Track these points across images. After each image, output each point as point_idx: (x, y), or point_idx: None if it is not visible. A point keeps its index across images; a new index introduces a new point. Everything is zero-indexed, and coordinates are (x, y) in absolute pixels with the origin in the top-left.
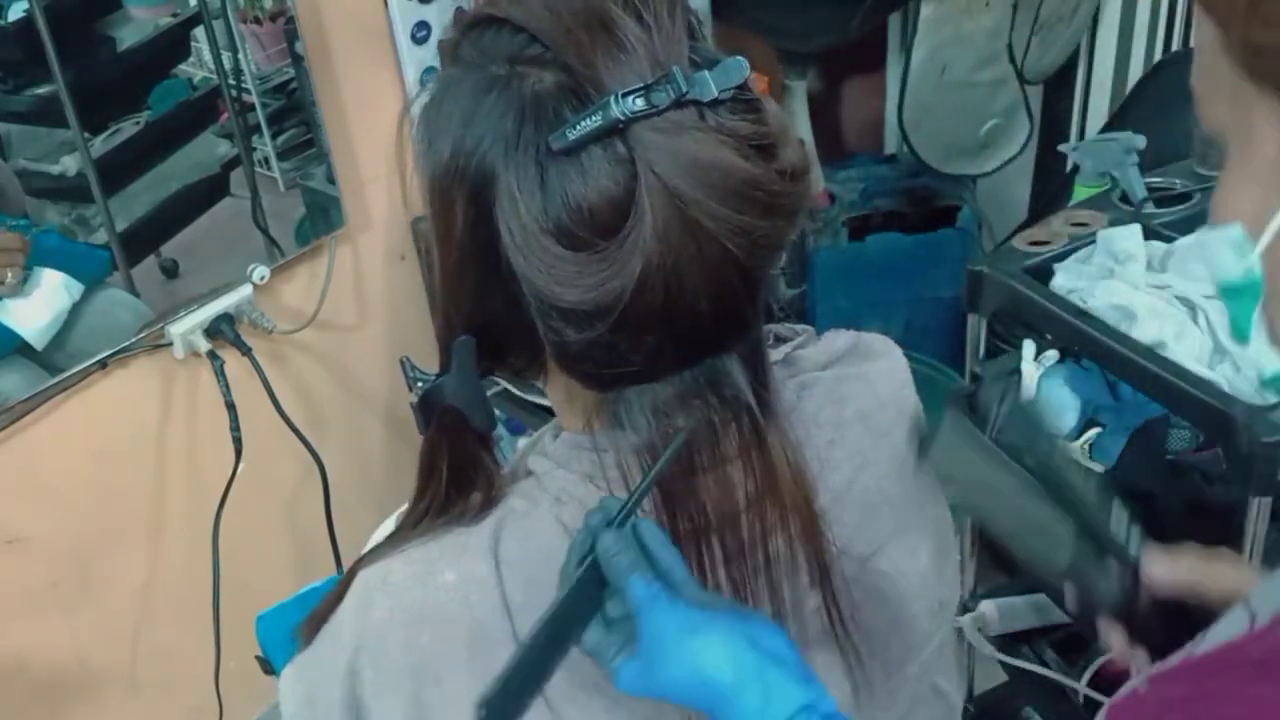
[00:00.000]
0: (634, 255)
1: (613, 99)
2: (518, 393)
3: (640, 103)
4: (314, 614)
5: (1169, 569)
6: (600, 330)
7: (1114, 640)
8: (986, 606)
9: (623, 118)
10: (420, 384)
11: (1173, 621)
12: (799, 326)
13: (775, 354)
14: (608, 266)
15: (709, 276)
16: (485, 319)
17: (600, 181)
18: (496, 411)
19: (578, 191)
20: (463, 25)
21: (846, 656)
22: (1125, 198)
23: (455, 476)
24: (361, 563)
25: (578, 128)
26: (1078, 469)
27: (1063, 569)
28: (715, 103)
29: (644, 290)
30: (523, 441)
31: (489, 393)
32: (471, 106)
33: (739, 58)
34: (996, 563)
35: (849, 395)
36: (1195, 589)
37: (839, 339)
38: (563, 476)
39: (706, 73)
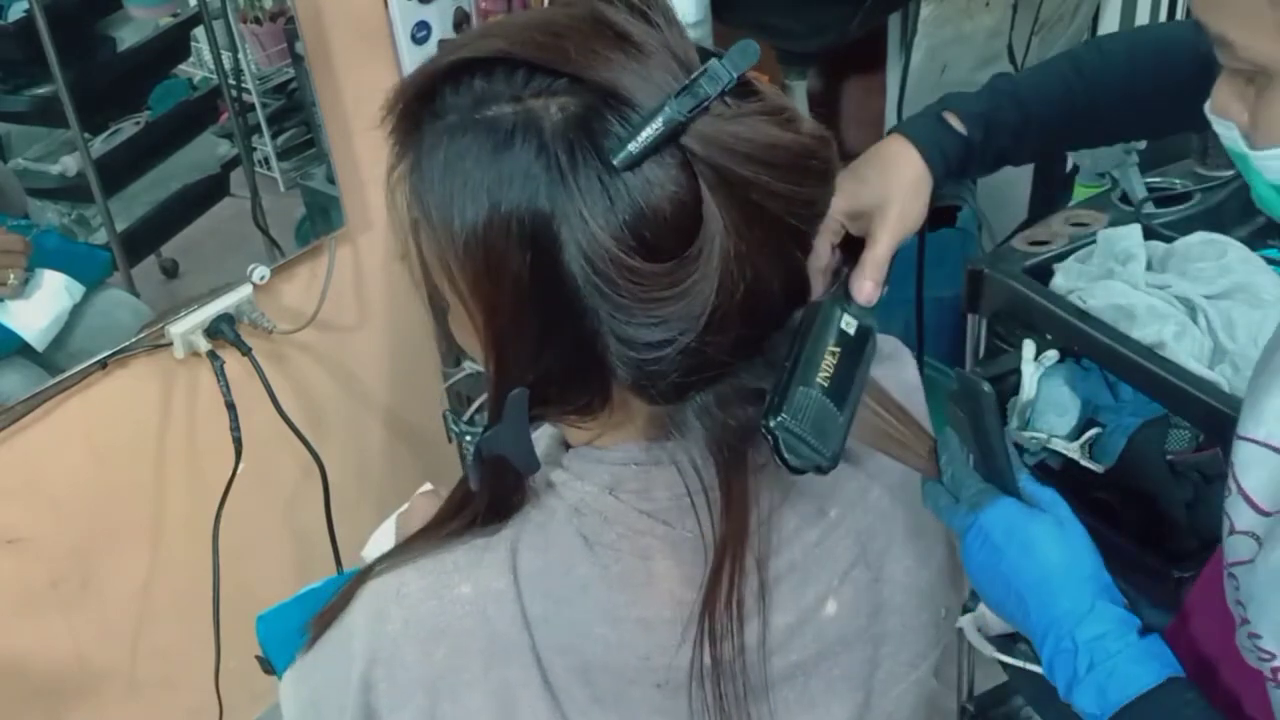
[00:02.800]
0: (714, 256)
1: (669, 102)
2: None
3: (690, 101)
4: (321, 615)
5: (874, 286)
6: (690, 338)
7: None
8: (987, 606)
9: (681, 119)
10: (469, 439)
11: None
12: None
13: None
14: (691, 270)
15: (777, 258)
16: (547, 363)
17: (666, 187)
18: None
19: (651, 202)
20: (436, 76)
21: (862, 664)
22: (1125, 198)
23: (491, 510)
24: (372, 571)
25: (639, 139)
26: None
27: None
28: (725, 90)
29: (724, 288)
30: None
31: None
32: (493, 160)
33: (749, 40)
34: None
35: None
36: (890, 250)
37: None
38: (581, 488)
39: (722, 61)
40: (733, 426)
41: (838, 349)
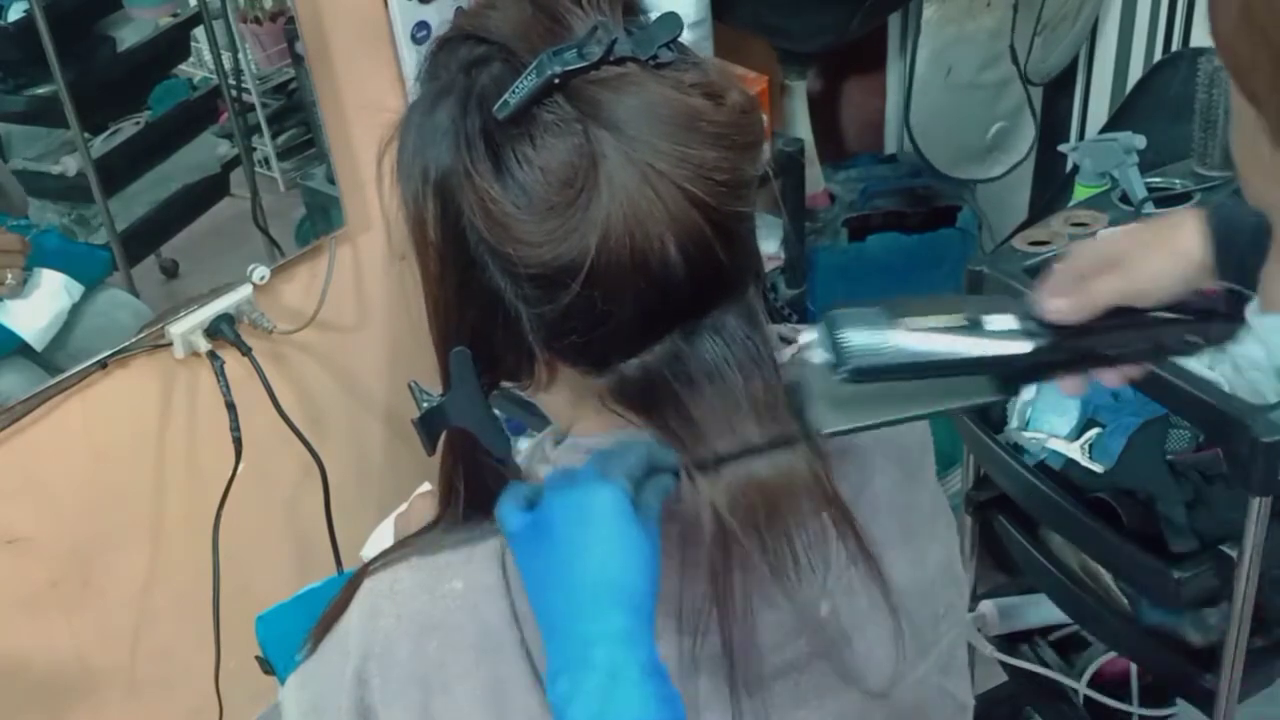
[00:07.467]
0: (592, 206)
1: (545, 56)
2: (517, 391)
3: (572, 56)
4: (321, 620)
5: (1067, 303)
6: (575, 290)
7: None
8: (986, 606)
9: (557, 72)
10: (426, 404)
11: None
12: (801, 327)
13: (780, 357)
14: (568, 220)
15: (673, 221)
16: (472, 322)
17: (549, 140)
18: (496, 412)
19: (529, 155)
20: (427, 55)
21: (856, 662)
22: (1125, 198)
23: (474, 497)
24: (368, 570)
25: (516, 91)
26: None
27: (992, 388)
28: (658, 64)
29: (609, 242)
30: (524, 442)
31: None
32: (427, 117)
33: (672, 12)
34: (996, 563)
35: None
36: (1108, 296)
37: None
38: None
39: (642, 31)
40: (673, 405)
41: (960, 325)
